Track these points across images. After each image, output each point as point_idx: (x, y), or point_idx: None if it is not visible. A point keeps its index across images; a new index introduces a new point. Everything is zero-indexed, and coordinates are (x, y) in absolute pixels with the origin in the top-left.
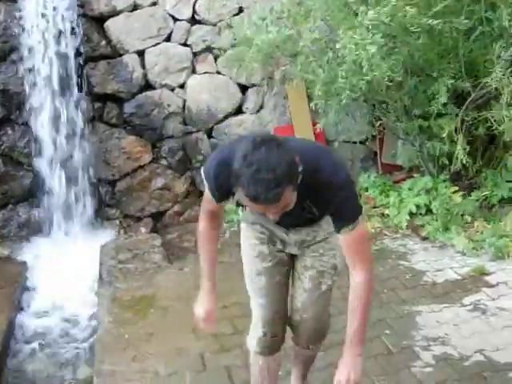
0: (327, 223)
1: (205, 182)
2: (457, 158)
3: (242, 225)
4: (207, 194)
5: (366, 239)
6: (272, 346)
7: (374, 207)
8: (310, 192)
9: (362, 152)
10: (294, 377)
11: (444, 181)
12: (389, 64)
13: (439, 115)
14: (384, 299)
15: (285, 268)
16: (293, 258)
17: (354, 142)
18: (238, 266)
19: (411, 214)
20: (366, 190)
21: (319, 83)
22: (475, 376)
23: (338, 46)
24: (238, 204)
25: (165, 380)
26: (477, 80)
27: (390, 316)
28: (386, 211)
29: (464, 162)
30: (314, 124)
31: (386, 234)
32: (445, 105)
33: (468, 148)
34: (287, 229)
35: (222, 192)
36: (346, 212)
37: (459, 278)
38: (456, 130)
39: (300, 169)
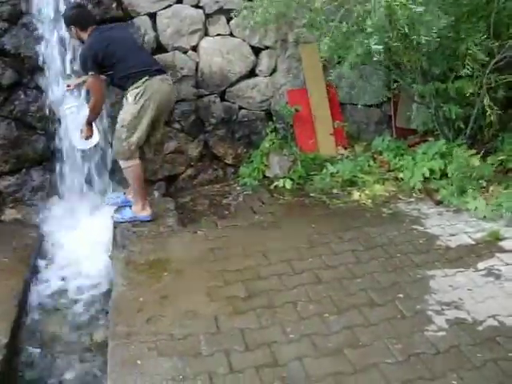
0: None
1: None
2: (476, 121)
3: None
4: None
5: (92, 85)
6: None
7: (388, 171)
8: None
9: (376, 115)
10: None
11: (459, 145)
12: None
13: (456, 78)
14: (397, 263)
15: None
16: None
17: (369, 106)
18: (250, 230)
19: (425, 178)
20: (381, 153)
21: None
22: (488, 341)
23: None
24: None
25: (179, 342)
26: (501, 42)
27: (404, 280)
28: (400, 175)
29: (492, 119)
30: (328, 87)
31: (400, 198)
32: (464, 66)
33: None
34: None
35: None
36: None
37: (473, 242)
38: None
39: None
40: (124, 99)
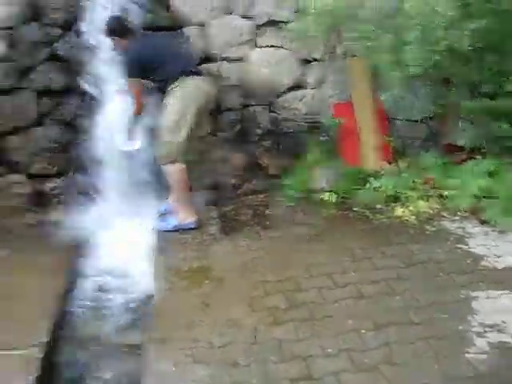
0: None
1: None
2: None
3: None
4: None
5: (134, 91)
6: None
7: (433, 187)
8: None
9: (422, 131)
10: None
11: (508, 164)
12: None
13: (507, 94)
14: (440, 282)
15: None
16: None
17: (416, 121)
18: (293, 242)
19: (471, 197)
20: (426, 169)
21: (382, 50)
22: None
23: (406, 5)
24: None
25: (217, 350)
26: None
27: (446, 299)
28: (446, 192)
29: None
30: (375, 101)
31: (444, 216)
32: None
33: None
34: None
35: None
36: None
37: None
38: None
39: None
40: (164, 102)
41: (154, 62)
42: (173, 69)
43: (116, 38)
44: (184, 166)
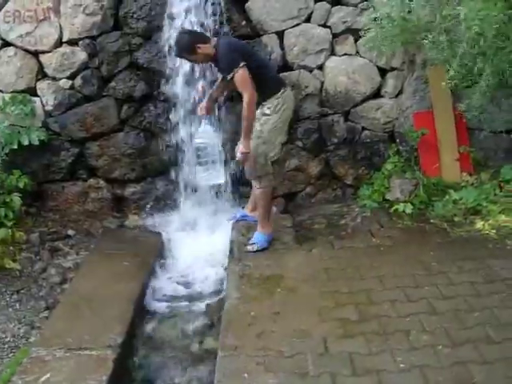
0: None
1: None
2: None
3: None
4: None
5: (243, 79)
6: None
7: None
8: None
9: (505, 142)
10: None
11: None
12: None
13: None
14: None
15: None
16: None
17: (498, 132)
18: (367, 253)
19: None
20: (508, 182)
21: (455, 62)
22: None
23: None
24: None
25: (287, 360)
26: None
27: (497, 305)
28: None
29: None
30: (456, 111)
31: None
32: None
33: None
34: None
35: None
36: (225, 69)
37: None
38: None
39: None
40: (258, 110)
41: (256, 59)
42: (273, 75)
43: (200, 44)
44: (273, 182)
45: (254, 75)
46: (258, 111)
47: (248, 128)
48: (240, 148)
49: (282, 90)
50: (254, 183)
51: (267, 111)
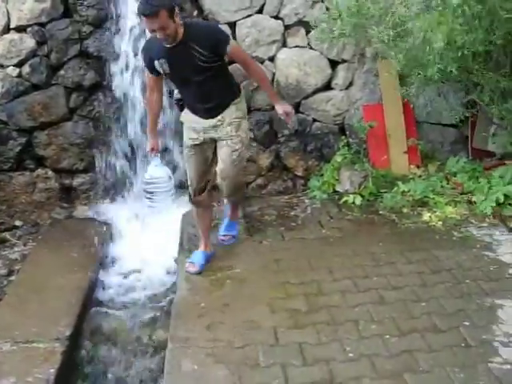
0: (229, 114)
1: (142, 62)
2: None
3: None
4: (147, 74)
5: (240, 48)
6: (198, 202)
7: (462, 193)
8: (197, 39)
9: (452, 135)
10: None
11: None
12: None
13: None
14: (465, 289)
15: (207, 150)
16: (214, 143)
17: (445, 125)
18: (316, 244)
19: (499, 204)
20: (455, 174)
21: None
22: None
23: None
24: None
25: (237, 351)
26: None
27: (471, 307)
28: (474, 198)
29: None
30: (404, 103)
31: (471, 222)
32: None
33: None
34: (205, 115)
35: (148, 63)
36: (222, 40)
37: None
38: None
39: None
40: (228, 111)
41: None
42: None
43: (173, 13)
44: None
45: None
46: (227, 112)
47: (273, 96)
48: (285, 108)
49: (242, 92)
50: (237, 193)
51: (239, 114)
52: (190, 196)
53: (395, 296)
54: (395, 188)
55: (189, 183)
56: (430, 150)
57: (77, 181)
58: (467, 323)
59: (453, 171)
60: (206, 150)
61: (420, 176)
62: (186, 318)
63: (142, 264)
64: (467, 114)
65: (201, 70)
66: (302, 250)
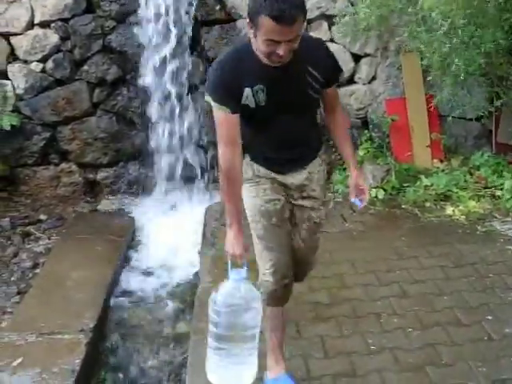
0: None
1: (213, 97)
2: None
3: (245, 184)
4: (222, 115)
5: None
6: (280, 298)
7: (485, 187)
8: (309, 54)
9: (475, 129)
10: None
11: None
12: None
13: None
14: (488, 283)
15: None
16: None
17: (469, 119)
18: (339, 238)
19: None
20: (478, 168)
21: (435, 55)
22: None
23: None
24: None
25: (260, 344)
26: None
27: (494, 301)
28: (498, 193)
29: None
30: (428, 97)
31: (495, 217)
32: None
33: None
34: (288, 170)
35: (233, 93)
36: (337, 65)
37: None
38: None
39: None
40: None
41: None
42: None
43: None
44: None
45: None
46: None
47: None
48: (360, 183)
49: None
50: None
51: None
52: (268, 293)
53: (418, 289)
54: (418, 182)
55: (266, 270)
56: (454, 144)
57: (101, 175)
58: (490, 317)
59: (476, 165)
60: (287, 220)
61: (443, 170)
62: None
63: (165, 257)
64: (491, 109)
65: (308, 102)
66: (325, 243)
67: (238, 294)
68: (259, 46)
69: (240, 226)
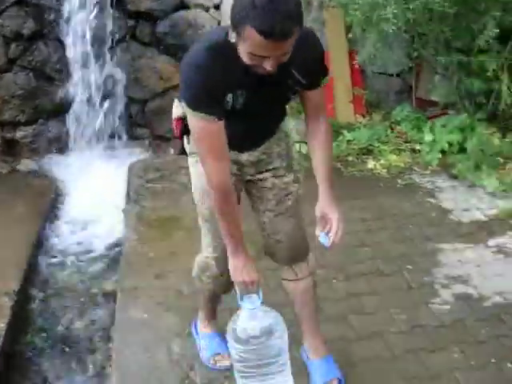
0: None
1: (194, 106)
2: (499, 97)
3: (192, 159)
4: (205, 126)
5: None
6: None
7: (406, 142)
8: (296, 54)
9: (396, 85)
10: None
11: (480, 120)
12: None
13: (480, 51)
14: (408, 234)
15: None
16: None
17: (390, 75)
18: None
19: (443, 152)
20: (399, 123)
21: (359, 10)
22: (493, 317)
23: None
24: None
25: (187, 298)
26: None
27: (413, 252)
28: (417, 147)
29: (508, 102)
30: (351, 53)
31: (415, 170)
32: (487, 41)
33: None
34: (245, 149)
35: (218, 99)
36: (324, 69)
37: (485, 219)
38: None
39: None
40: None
41: None
42: None
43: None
44: None
45: None
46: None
47: None
48: (334, 221)
49: None
50: (298, 269)
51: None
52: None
53: (340, 241)
54: (340, 137)
55: (210, 252)
56: (376, 100)
57: (19, 133)
58: (410, 267)
59: (397, 120)
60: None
61: (365, 125)
62: (135, 267)
63: (89, 216)
64: (411, 65)
65: (283, 104)
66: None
67: (258, 326)
68: (242, 56)
69: (246, 250)
